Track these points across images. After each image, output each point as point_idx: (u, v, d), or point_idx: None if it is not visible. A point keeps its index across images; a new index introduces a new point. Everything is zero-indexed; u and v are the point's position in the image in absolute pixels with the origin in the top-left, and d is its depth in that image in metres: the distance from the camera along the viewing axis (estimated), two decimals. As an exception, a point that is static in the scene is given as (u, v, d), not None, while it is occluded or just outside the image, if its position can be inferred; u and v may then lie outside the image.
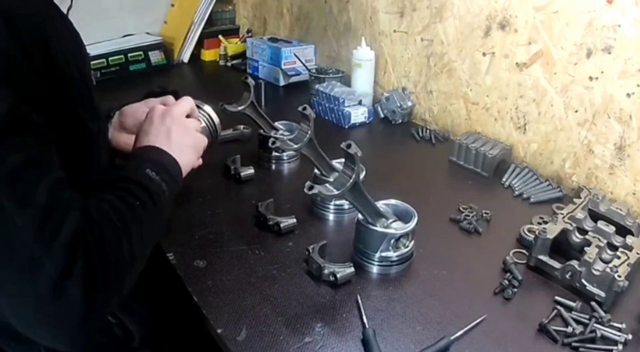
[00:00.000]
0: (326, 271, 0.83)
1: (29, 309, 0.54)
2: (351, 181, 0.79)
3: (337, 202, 1.03)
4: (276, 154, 1.24)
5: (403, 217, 0.91)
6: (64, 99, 0.66)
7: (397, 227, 0.88)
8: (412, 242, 0.89)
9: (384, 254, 0.87)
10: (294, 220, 0.98)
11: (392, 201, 0.93)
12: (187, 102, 0.89)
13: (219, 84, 2.01)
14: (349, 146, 0.78)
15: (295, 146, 0.96)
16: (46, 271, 0.52)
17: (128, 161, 0.76)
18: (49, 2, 0.69)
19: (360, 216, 0.88)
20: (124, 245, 0.61)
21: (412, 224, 0.88)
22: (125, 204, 0.65)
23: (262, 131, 1.23)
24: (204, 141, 0.88)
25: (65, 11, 0.76)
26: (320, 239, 0.91)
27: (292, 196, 1.09)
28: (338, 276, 0.83)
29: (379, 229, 0.86)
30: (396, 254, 0.87)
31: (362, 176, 0.91)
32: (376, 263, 0.88)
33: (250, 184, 1.16)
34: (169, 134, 0.80)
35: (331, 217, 1.04)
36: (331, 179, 0.88)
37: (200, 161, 0.89)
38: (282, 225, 0.96)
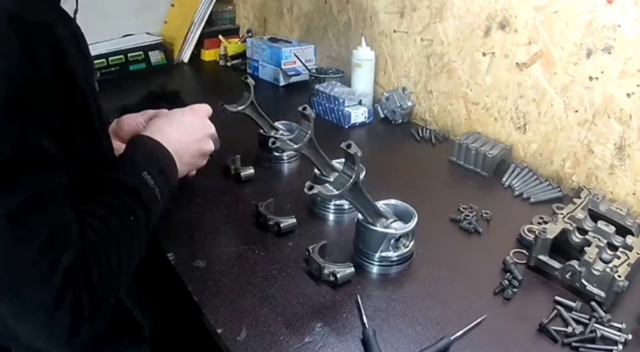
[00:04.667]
0: (326, 271, 0.83)
1: (28, 325, 0.58)
2: (351, 181, 0.79)
3: (337, 202, 1.03)
4: (276, 154, 1.24)
5: (403, 217, 0.91)
6: (77, 110, 0.65)
7: (397, 227, 0.88)
8: (412, 242, 0.89)
9: (384, 254, 0.87)
10: (294, 220, 0.98)
11: (392, 201, 0.93)
12: (208, 107, 0.93)
13: (219, 84, 2.01)
14: (349, 146, 0.78)
15: (295, 146, 0.96)
16: (41, 300, 0.55)
17: (125, 156, 0.76)
18: (56, 6, 0.66)
19: (360, 216, 0.88)
20: (113, 270, 0.63)
21: (412, 224, 0.88)
22: (119, 223, 0.66)
23: (262, 131, 1.23)
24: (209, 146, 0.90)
25: (72, 14, 0.73)
26: (320, 239, 0.91)
27: (292, 196, 1.09)
28: (338, 276, 0.83)
29: (379, 229, 0.86)
30: (396, 254, 0.87)
31: (362, 176, 0.91)
32: (376, 263, 0.88)
33: (250, 184, 1.16)
34: (180, 125, 0.84)
35: (331, 217, 1.04)
36: (331, 179, 0.88)
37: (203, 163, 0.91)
38: (282, 225, 0.96)
